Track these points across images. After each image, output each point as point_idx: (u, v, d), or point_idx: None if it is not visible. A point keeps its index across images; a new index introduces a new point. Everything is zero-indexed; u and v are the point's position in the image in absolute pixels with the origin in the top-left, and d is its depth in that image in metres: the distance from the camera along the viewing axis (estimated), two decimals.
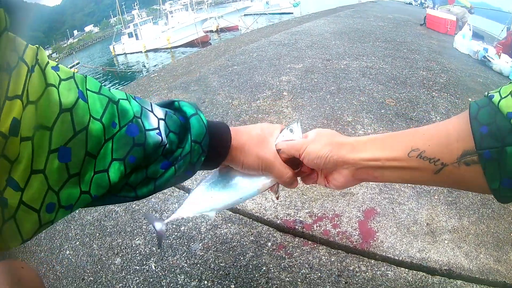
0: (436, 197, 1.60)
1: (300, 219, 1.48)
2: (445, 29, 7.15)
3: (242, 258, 1.33)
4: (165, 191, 1.75)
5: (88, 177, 0.49)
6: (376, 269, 1.25)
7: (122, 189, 0.56)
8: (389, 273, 1.24)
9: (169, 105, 0.66)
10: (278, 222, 1.48)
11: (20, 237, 0.43)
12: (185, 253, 1.38)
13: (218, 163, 0.70)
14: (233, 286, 1.23)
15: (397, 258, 1.29)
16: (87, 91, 0.50)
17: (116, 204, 1.70)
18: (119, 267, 1.37)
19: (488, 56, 4.92)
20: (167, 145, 0.58)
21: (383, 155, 0.61)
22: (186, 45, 29.56)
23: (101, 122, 0.49)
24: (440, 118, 2.29)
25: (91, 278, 1.35)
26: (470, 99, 2.73)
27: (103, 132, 0.49)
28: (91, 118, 0.48)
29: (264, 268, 1.28)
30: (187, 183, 1.73)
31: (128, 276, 1.32)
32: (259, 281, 1.24)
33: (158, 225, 0.77)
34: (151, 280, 1.29)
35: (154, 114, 0.59)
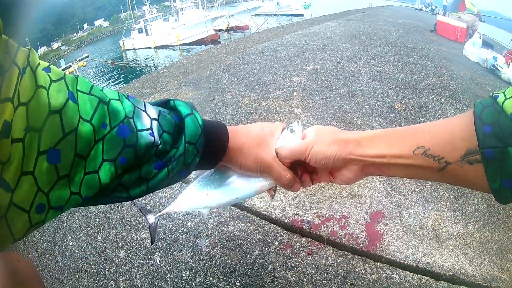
0: (442, 202, 1.60)
1: (308, 219, 1.49)
2: (455, 36, 7.13)
3: (248, 256, 1.33)
4: (172, 186, 1.76)
5: (78, 178, 0.49)
6: (381, 272, 1.25)
7: (114, 189, 0.56)
8: (394, 276, 1.24)
9: (164, 104, 0.66)
10: (286, 221, 1.48)
11: (12, 236, 0.43)
12: (191, 248, 1.39)
13: (214, 164, 0.69)
14: (238, 283, 1.24)
15: (402, 261, 1.30)
16: (78, 92, 0.50)
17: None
18: (123, 260, 1.38)
19: (497, 65, 4.89)
20: (160, 145, 0.57)
21: (389, 152, 0.62)
22: (195, 43, 29.54)
23: (91, 124, 0.49)
24: None
25: (94, 270, 1.35)
26: None
27: (93, 133, 0.49)
28: (81, 119, 0.48)
29: (270, 267, 1.28)
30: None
31: (132, 270, 1.33)
32: (265, 280, 1.24)
33: (151, 218, 0.76)
34: (155, 274, 1.30)
35: (147, 114, 0.58)
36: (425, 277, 1.25)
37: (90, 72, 27.86)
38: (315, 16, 10.88)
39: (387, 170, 0.64)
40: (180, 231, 1.48)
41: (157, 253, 1.38)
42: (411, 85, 3.14)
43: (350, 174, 0.68)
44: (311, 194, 1.63)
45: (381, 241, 1.38)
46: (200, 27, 29.59)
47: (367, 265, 1.28)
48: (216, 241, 1.41)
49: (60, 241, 1.51)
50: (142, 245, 1.42)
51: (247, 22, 29.37)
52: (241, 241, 1.40)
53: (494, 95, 0.52)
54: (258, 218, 1.52)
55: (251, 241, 1.40)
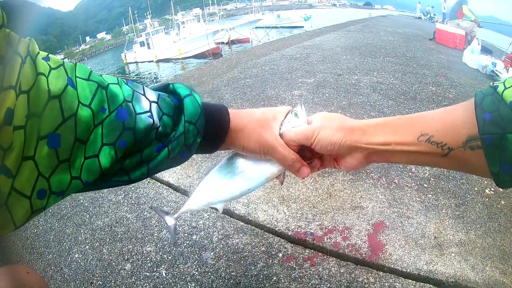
0: (444, 211, 1.62)
1: (311, 231, 1.51)
2: (454, 43, 7.17)
3: (253, 268, 1.35)
4: (176, 199, 1.79)
5: (79, 163, 0.49)
6: (384, 281, 1.27)
7: (115, 174, 0.56)
8: (397, 284, 1.25)
9: (164, 88, 0.66)
10: (289, 233, 1.50)
11: (13, 224, 0.44)
12: (196, 261, 1.41)
13: (216, 145, 0.68)
14: None
15: (405, 270, 1.31)
16: (76, 78, 0.50)
17: (128, 211, 1.74)
18: (129, 272, 1.39)
19: (496, 70, 4.91)
20: (160, 127, 0.57)
21: (394, 139, 0.63)
22: (197, 56, 29.63)
23: (90, 108, 0.49)
24: None
25: (100, 282, 1.37)
26: None
27: (92, 117, 0.50)
28: (80, 104, 0.48)
29: (274, 278, 1.30)
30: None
31: (138, 282, 1.34)
32: None
33: (169, 220, 0.77)
34: (161, 286, 1.32)
35: (146, 97, 0.58)
36: (428, 284, 1.27)
37: None
38: (315, 28, 10.93)
39: (392, 157, 0.66)
40: (185, 244, 1.50)
41: (162, 266, 1.40)
42: (411, 95, 3.17)
43: (354, 161, 0.69)
44: (313, 207, 1.66)
45: (384, 251, 1.40)
46: (202, 40, 29.72)
47: (369, 274, 1.30)
48: (221, 253, 1.43)
49: (66, 254, 1.53)
50: (148, 258, 1.44)
51: (248, 35, 29.44)
52: (245, 253, 1.42)
53: (494, 85, 0.54)
54: (262, 231, 1.54)
55: (256, 254, 1.41)
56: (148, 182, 1.98)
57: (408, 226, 1.52)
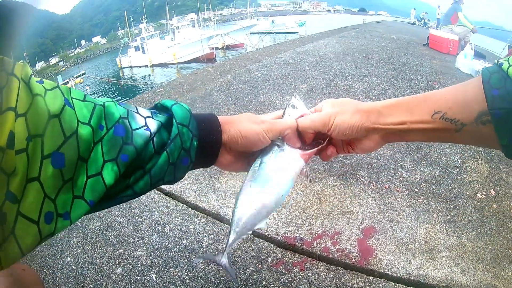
0: (434, 215, 1.62)
1: (301, 236, 1.51)
2: (447, 49, 7.20)
3: (242, 272, 1.35)
4: (167, 204, 1.78)
5: (81, 181, 0.49)
6: (374, 285, 1.27)
7: (120, 191, 0.56)
8: None
9: (153, 107, 0.67)
10: (279, 238, 1.50)
11: (21, 252, 0.43)
12: (187, 265, 1.40)
13: (218, 144, 0.67)
14: None
15: (395, 274, 1.31)
16: (72, 99, 0.51)
17: (119, 215, 1.73)
18: (120, 276, 1.39)
19: None
20: (156, 138, 0.58)
21: (409, 118, 0.66)
22: (191, 61, 29.72)
23: (90, 126, 0.50)
24: None
25: (91, 286, 1.36)
26: None
27: (92, 135, 0.50)
28: (79, 123, 0.49)
29: (264, 283, 1.30)
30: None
31: (129, 286, 1.34)
32: None
33: (221, 259, 0.74)
34: None
35: (139, 114, 0.59)
36: None
37: (86, 89, 27.91)
38: (309, 33, 10.98)
39: (407, 136, 0.68)
40: (175, 248, 1.49)
41: (153, 270, 1.39)
42: None
43: (372, 143, 0.71)
44: (303, 212, 1.66)
45: (373, 256, 1.40)
46: (196, 45, 29.82)
47: (359, 279, 1.30)
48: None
49: (58, 257, 1.52)
50: (139, 262, 1.44)
51: (242, 41, 29.59)
52: (235, 258, 1.42)
53: (499, 62, 0.57)
54: (252, 236, 1.53)
55: (245, 258, 1.41)
56: None
57: (399, 231, 1.53)
